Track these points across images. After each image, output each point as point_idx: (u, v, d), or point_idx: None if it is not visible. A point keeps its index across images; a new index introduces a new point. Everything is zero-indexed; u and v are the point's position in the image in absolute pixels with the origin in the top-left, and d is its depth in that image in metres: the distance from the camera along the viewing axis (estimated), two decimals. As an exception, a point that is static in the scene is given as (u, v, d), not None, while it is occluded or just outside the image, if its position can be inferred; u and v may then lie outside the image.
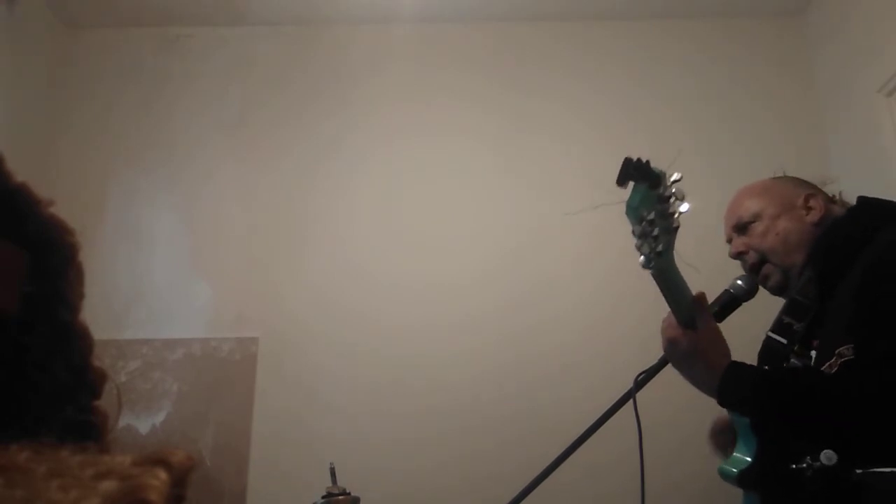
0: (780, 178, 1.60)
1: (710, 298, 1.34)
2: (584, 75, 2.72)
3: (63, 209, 0.55)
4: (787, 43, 2.77)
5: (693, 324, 1.22)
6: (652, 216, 1.01)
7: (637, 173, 0.99)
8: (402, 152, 2.63)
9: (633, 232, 1.05)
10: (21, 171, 0.52)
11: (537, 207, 2.56)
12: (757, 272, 1.49)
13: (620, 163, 0.99)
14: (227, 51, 2.75)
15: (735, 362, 1.23)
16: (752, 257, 1.49)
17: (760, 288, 1.51)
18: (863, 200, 1.45)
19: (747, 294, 1.48)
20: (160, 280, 2.50)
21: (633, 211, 1.03)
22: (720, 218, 1.61)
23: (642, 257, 1.06)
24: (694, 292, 1.22)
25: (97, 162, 2.62)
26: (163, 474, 0.36)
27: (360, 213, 2.57)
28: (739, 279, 1.50)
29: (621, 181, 1.00)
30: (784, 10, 2.77)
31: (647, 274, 1.12)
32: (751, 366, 1.27)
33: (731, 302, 1.48)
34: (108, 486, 0.33)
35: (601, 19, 2.78)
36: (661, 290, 1.16)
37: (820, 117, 2.66)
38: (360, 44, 2.75)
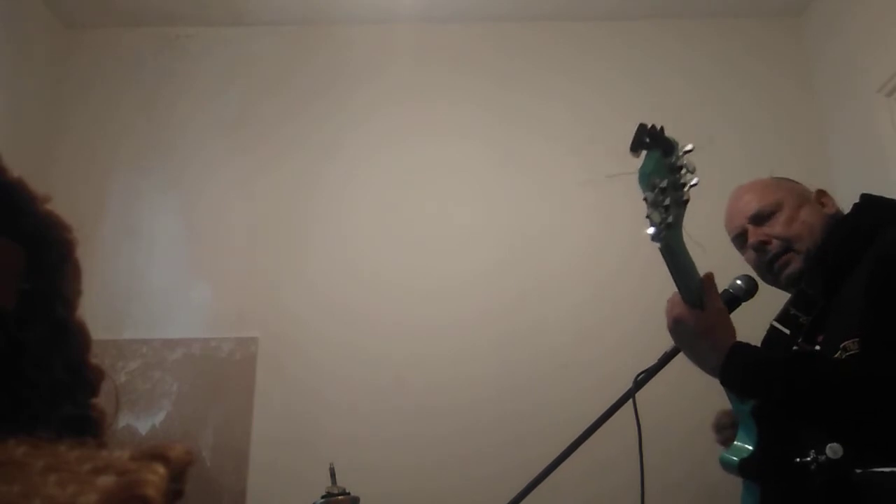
0: (782, 177, 1.60)
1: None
2: (583, 75, 2.72)
3: (63, 209, 0.54)
4: (787, 43, 2.77)
5: (700, 304, 1.21)
6: (664, 184, 0.99)
7: (651, 139, 0.97)
8: (402, 152, 2.63)
9: (645, 199, 1.03)
10: (21, 172, 0.52)
11: (537, 207, 2.56)
12: (774, 263, 1.48)
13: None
14: (227, 51, 2.75)
15: (740, 342, 1.21)
16: (775, 246, 1.47)
17: (759, 288, 1.51)
18: (867, 197, 1.45)
19: (747, 294, 1.48)
20: (160, 280, 2.50)
21: (646, 177, 1.00)
22: (719, 220, 1.61)
23: (652, 228, 1.03)
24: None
25: (97, 162, 2.62)
26: (161, 469, 0.35)
27: (360, 213, 2.56)
28: (739, 279, 1.49)
29: (635, 147, 0.98)
30: (784, 10, 2.77)
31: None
32: (756, 346, 1.25)
33: (730, 302, 1.47)
34: (106, 480, 0.33)
35: (601, 19, 2.78)
36: (669, 269, 1.14)
37: (820, 117, 2.66)
38: (360, 44, 2.75)
